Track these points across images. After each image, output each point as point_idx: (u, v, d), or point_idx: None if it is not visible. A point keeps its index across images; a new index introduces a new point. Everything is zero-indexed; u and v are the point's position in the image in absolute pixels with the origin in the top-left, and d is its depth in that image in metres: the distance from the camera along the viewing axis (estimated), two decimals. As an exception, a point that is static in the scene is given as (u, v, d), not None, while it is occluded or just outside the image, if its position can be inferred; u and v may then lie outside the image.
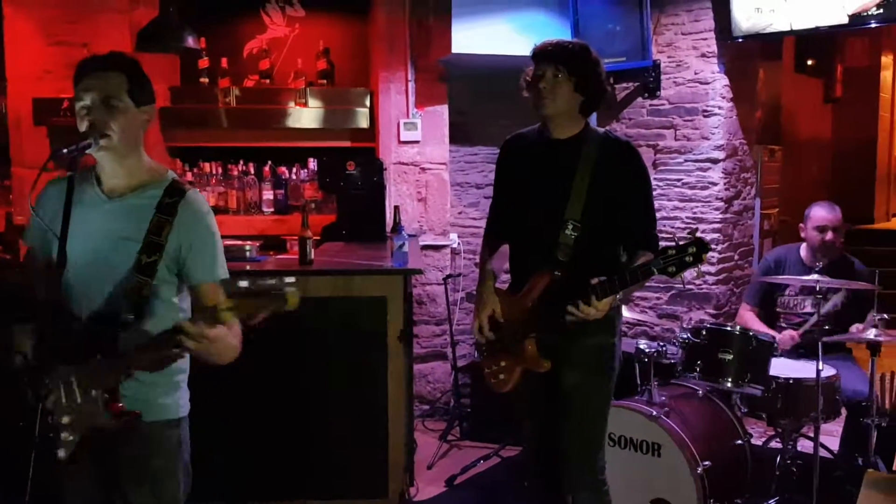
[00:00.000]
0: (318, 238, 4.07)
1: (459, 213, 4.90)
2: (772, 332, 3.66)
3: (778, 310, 3.81)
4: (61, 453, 1.82)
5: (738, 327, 3.41)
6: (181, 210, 1.92)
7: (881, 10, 3.77)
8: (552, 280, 2.37)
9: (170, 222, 1.90)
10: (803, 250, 3.79)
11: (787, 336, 3.64)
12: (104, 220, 1.90)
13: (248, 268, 3.35)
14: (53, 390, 1.80)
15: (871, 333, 3.16)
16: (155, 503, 1.97)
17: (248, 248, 3.61)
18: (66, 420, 1.81)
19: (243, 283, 1.67)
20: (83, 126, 1.86)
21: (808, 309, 3.69)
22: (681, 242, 2.20)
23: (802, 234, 3.77)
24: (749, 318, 3.84)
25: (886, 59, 9.47)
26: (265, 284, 1.66)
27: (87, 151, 1.84)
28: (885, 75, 9.49)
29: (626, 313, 3.86)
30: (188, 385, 2.07)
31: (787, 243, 4.13)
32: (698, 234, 2.20)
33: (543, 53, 2.40)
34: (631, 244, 2.43)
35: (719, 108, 4.48)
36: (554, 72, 2.37)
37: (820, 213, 3.70)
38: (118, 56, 1.93)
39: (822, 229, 3.68)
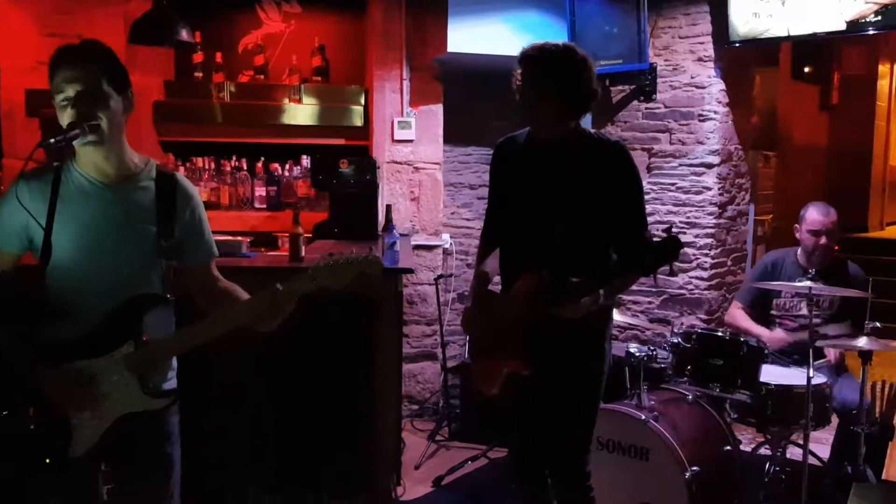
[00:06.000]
0: (310, 235, 4.05)
1: (452, 213, 4.89)
2: (762, 330, 3.66)
3: (773, 312, 3.80)
4: (78, 450, 1.83)
5: (728, 333, 3.40)
6: (178, 193, 1.99)
7: (879, 18, 3.77)
8: (540, 281, 2.35)
9: (173, 206, 1.97)
10: (799, 253, 3.78)
11: (777, 337, 3.63)
12: (107, 210, 1.90)
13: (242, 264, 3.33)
14: (70, 388, 1.81)
15: (862, 342, 3.15)
16: (160, 489, 1.98)
17: (240, 243, 3.59)
18: (86, 416, 1.83)
19: (327, 257, 1.90)
20: (67, 118, 1.83)
21: (804, 311, 3.67)
22: (655, 240, 2.18)
23: (797, 235, 3.76)
24: (739, 316, 3.83)
25: (883, 68, 9.50)
26: (351, 255, 1.90)
27: (75, 142, 1.82)
28: (882, 84, 9.51)
29: (618, 317, 3.85)
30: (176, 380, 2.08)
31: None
32: (672, 232, 2.17)
33: (525, 58, 2.37)
34: (621, 247, 2.41)
35: (715, 112, 4.47)
36: (534, 76, 2.34)
37: (815, 216, 3.68)
38: (93, 45, 1.91)
39: (816, 233, 3.67)
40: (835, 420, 3.51)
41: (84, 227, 1.86)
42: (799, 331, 3.68)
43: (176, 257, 1.99)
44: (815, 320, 3.26)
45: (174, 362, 2.04)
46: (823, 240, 3.65)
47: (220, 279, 2.08)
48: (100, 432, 1.84)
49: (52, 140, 1.76)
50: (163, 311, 1.94)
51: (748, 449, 3.70)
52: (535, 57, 2.34)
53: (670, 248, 2.12)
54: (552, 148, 2.42)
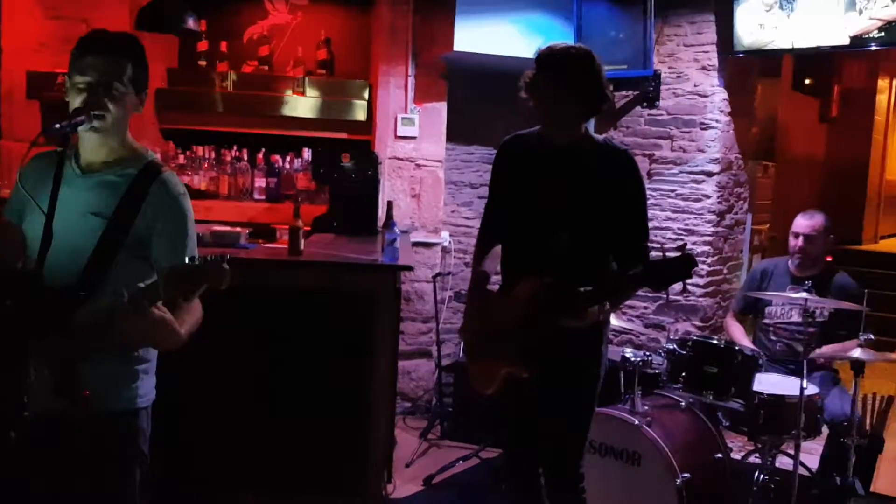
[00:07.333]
0: (309, 229, 4.04)
1: (452, 211, 4.89)
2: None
3: (766, 320, 3.83)
4: (13, 434, 1.73)
5: (723, 341, 3.42)
6: (154, 190, 1.89)
7: (882, 34, 3.79)
8: (542, 286, 2.36)
9: (140, 201, 1.86)
10: (790, 262, 3.82)
11: None
12: (76, 195, 1.86)
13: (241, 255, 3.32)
14: (13, 368, 1.74)
15: (856, 353, 3.17)
16: (108, 493, 1.92)
17: (239, 234, 3.59)
18: (23, 400, 1.73)
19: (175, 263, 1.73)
20: (77, 100, 1.82)
21: (795, 318, 3.71)
22: (669, 256, 2.19)
23: (789, 240, 3.84)
24: (734, 331, 3.91)
25: (883, 83, 9.54)
26: (196, 263, 1.69)
27: (80, 129, 1.81)
28: (881, 98, 9.56)
29: (614, 321, 3.87)
30: (162, 374, 2.02)
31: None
32: (687, 249, 2.19)
33: (546, 60, 2.38)
34: (622, 255, 2.43)
35: (717, 121, 4.48)
36: (555, 80, 2.35)
37: (798, 220, 3.79)
38: (129, 41, 1.90)
39: (795, 235, 3.75)
40: (825, 431, 3.53)
41: (57, 212, 1.78)
42: (790, 339, 3.72)
43: (142, 256, 1.89)
44: (810, 329, 3.28)
45: (141, 366, 1.94)
46: (801, 242, 3.70)
47: None
48: (28, 421, 1.72)
49: (57, 126, 1.75)
50: (85, 308, 1.80)
51: (738, 457, 3.72)
52: (558, 58, 2.35)
53: (685, 266, 2.14)
54: (562, 151, 2.43)
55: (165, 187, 1.90)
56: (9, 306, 1.78)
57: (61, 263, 1.81)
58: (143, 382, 1.95)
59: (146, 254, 1.89)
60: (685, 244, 2.25)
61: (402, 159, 4.60)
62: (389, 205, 3.67)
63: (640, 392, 3.29)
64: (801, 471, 3.29)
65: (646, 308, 4.71)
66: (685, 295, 4.55)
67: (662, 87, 4.49)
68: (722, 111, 4.49)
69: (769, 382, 3.39)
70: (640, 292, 4.59)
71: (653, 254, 2.36)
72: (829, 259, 3.85)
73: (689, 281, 4.45)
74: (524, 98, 2.44)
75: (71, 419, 1.79)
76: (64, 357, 1.77)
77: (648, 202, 4.60)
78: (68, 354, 1.77)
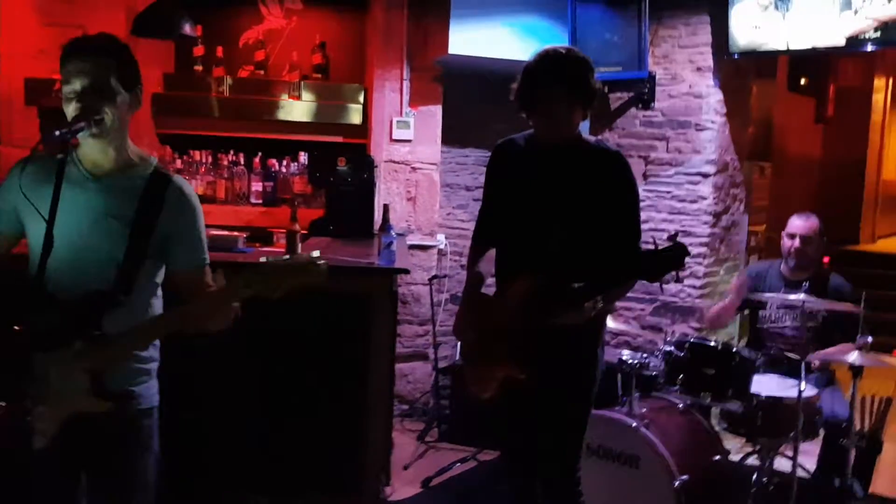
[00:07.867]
0: (305, 232, 4.04)
1: (448, 214, 4.89)
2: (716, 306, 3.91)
3: (759, 324, 3.83)
4: (38, 443, 1.79)
5: (720, 343, 3.42)
6: (169, 194, 1.93)
7: (878, 34, 3.78)
8: (536, 286, 2.36)
9: (159, 204, 1.91)
10: (783, 264, 3.82)
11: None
12: (90, 200, 1.88)
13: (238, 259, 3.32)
14: (27, 380, 1.77)
15: (853, 356, 3.17)
16: (125, 492, 1.95)
17: (236, 238, 3.59)
18: (44, 408, 1.78)
19: (264, 260, 1.81)
20: (71, 109, 1.83)
21: (789, 323, 3.72)
22: (661, 247, 2.19)
23: (781, 243, 3.83)
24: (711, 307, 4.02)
25: (879, 82, 9.56)
26: (293, 260, 1.85)
27: (79, 135, 1.82)
28: (877, 98, 9.57)
29: (610, 323, 3.87)
30: (160, 377, 2.05)
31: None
32: (678, 239, 2.19)
33: (541, 65, 2.39)
34: (614, 255, 2.43)
35: (712, 122, 4.49)
36: (551, 84, 2.36)
37: (794, 220, 3.78)
38: (108, 39, 1.91)
39: (790, 236, 3.76)
40: (822, 432, 3.53)
41: (63, 215, 1.80)
42: (784, 342, 3.72)
43: (161, 258, 1.95)
44: (806, 332, 3.28)
45: (149, 365, 1.98)
46: (797, 243, 3.71)
47: (209, 286, 1.99)
48: (54, 429, 1.79)
49: (58, 132, 1.76)
50: (120, 310, 1.85)
51: (737, 459, 3.71)
52: (555, 60, 2.37)
53: (677, 256, 2.14)
54: (554, 152, 2.44)
55: (180, 192, 1.96)
56: (14, 312, 1.80)
57: (83, 269, 1.85)
58: (154, 382, 2.01)
59: (164, 255, 1.95)
60: (677, 234, 2.24)
61: (397, 162, 4.60)
62: (385, 208, 3.68)
63: (637, 394, 3.30)
64: (800, 472, 3.30)
65: (642, 310, 4.71)
66: (683, 295, 4.56)
67: (657, 89, 4.50)
68: (717, 112, 4.50)
69: (767, 384, 3.39)
70: (637, 294, 4.62)
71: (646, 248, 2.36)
72: (826, 260, 3.85)
73: (685, 282, 4.52)
74: (512, 101, 2.45)
75: (95, 420, 1.81)
76: (99, 359, 1.81)
77: (644, 204, 4.64)
78: (103, 356, 1.81)
